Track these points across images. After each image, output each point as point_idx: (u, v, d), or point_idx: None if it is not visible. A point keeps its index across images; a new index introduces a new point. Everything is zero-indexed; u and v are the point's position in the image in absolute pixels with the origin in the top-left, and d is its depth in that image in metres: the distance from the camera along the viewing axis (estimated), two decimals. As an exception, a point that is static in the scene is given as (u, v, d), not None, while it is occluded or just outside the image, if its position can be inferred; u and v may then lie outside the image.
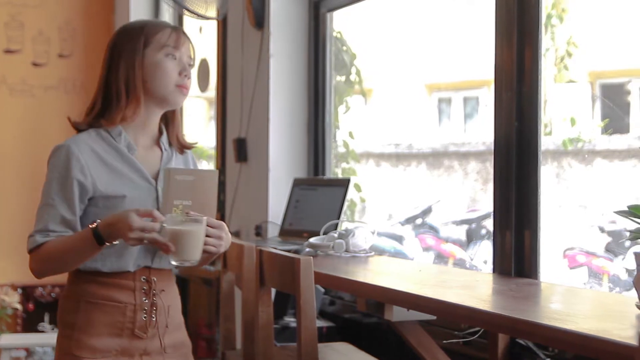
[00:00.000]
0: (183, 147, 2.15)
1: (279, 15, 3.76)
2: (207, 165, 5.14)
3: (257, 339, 2.46)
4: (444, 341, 2.58)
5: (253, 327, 2.56)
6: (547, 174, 3.56)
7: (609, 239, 3.50)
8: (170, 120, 2.14)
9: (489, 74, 2.66)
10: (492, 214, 2.63)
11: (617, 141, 3.50)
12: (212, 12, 3.94)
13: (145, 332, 2.03)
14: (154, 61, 2.02)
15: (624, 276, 3.23)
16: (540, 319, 1.75)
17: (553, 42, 3.56)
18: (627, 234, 1.81)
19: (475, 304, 1.94)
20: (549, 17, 3.45)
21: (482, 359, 2.52)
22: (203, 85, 4.89)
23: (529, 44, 2.52)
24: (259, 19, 3.77)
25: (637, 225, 1.77)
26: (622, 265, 3.31)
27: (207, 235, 1.91)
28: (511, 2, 2.56)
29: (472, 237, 4.39)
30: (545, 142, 3.53)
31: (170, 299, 2.09)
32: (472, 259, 4.29)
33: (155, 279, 2.04)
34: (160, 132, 2.11)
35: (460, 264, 4.36)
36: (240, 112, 4.02)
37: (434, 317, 2.38)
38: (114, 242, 1.91)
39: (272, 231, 3.64)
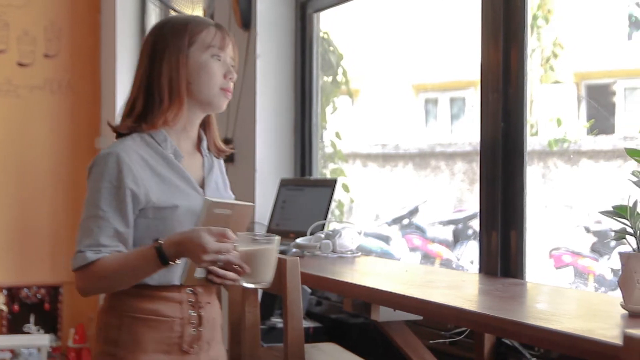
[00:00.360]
0: (219, 151, 2.03)
1: (266, 16, 3.76)
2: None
3: (243, 340, 2.45)
4: (431, 341, 2.58)
5: (240, 328, 2.56)
6: (533, 174, 3.58)
7: (595, 239, 3.52)
8: (207, 124, 2.02)
9: (476, 75, 2.66)
10: (478, 214, 2.64)
11: (603, 142, 3.52)
12: (199, 12, 3.94)
13: (192, 347, 1.91)
14: (199, 62, 1.89)
15: (610, 276, 3.24)
16: (526, 319, 1.76)
17: (539, 43, 3.57)
18: (612, 234, 1.82)
19: (461, 304, 1.94)
20: (534, 18, 3.46)
21: (468, 359, 2.52)
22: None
23: (515, 45, 2.53)
24: (246, 20, 3.77)
25: (622, 226, 1.78)
26: (607, 265, 3.33)
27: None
28: (497, 3, 2.56)
29: (458, 238, 4.41)
30: (532, 143, 3.54)
31: (215, 311, 1.98)
32: (458, 259, 4.31)
33: (200, 291, 1.92)
34: (199, 137, 1.99)
35: (446, 264, 4.37)
36: (227, 112, 4.00)
37: (421, 318, 2.39)
38: (177, 262, 1.80)
39: (259, 231, 3.64)
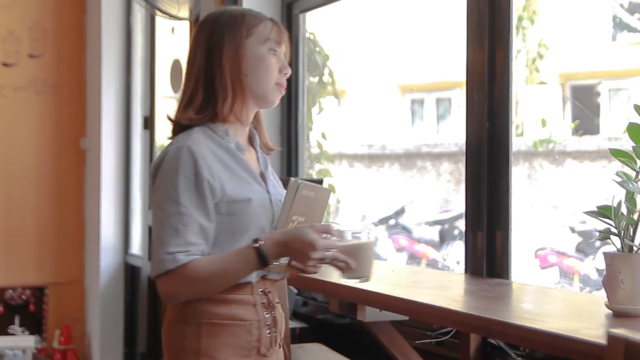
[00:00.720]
0: (268, 149, 1.97)
1: (252, 16, 3.75)
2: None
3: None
4: (417, 341, 2.59)
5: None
6: (519, 174, 3.59)
7: (580, 239, 3.54)
8: (257, 121, 1.97)
9: (461, 76, 2.67)
10: (464, 214, 2.64)
11: (587, 142, 3.53)
12: (185, 12, 3.93)
13: (269, 349, 1.85)
14: (257, 55, 1.84)
15: (595, 276, 3.26)
16: (511, 319, 1.77)
17: (524, 44, 3.59)
18: (597, 234, 1.83)
19: (447, 304, 1.95)
20: (520, 19, 3.47)
21: (454, 359, 2.53)
22: (176, 85, 4.87)
23: (500, 46, 2.54)
24: (232, 20, 3.76)
25: (606, 226, 1.79)
26: (592, 265, 3.34)
27: None
28: (482, 4, 2.57)
29: (444, 238, 4.42)
30: (517, 143, 3.55)
31: (282, 311, 1.93)
32: (444, 260, 4.32)
33: (270, 291, 1.86)
34: (251, 133, 1.94)
35: (433, 264, 4.38)
36: (213, 113, 4.01)
37: (407, 318, 2.39)
38: (276, 263, 1.73)
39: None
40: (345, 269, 1.76)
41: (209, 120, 1.83)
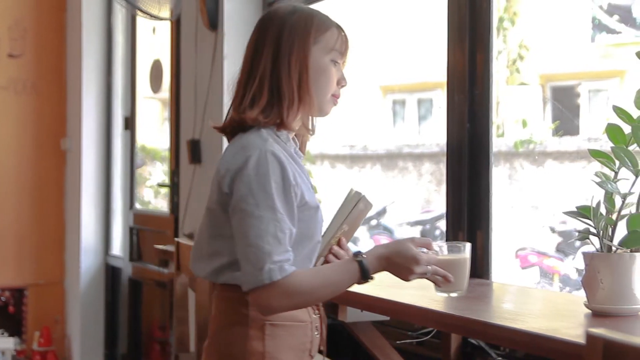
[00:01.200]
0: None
1: (233, 16, 3.74)
2: (162, 165, 5.10)
3: (210, 342, 2.44)
4: (398, 342, 2.59)
5: (207, 329, 2.55)
6: (500, 175, 3.60)
7: (560, 239, 3.55)
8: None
9: (442, 77, 2.68)
10: (445, 215, 2.65)
11: (568, 143, 3.55)
12: (166, 12, 3.92)
13: (314, 350, 1.82)
14: (320, 64, 1.78)
15: (574, 275, 3.27)
16: (491, 319, 1.78)
17: (505, 45, 3.60)
18: (577, 234, 1.84)
19: (428, 305, 1.95)
20: (500, 20, 3.48)
21: (435, 359, 2.54)
22: (156, 86, 4.85)
23: (481, 47, 2.55)
24: (213, 20, 3.75)
25: (586, 226, 1.80)
26: (572, 265, 3.36)
27: (337, 258, 1.81)
28: (463, 5, 2.58)
29: (426, 238, 4.41)
30: (498, 144, 3.56)
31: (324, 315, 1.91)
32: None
33: None
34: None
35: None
36: (194, 113, 4.00)
37: (388, 318, 2.39)
38: (375, 277, 1.72)
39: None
40: (443, 283, 1.76)
41: (274, 124, 1.76)
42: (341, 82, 1.82)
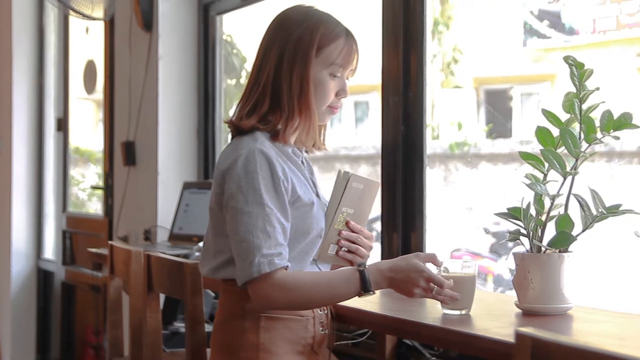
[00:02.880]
0: (318, 148, 1.95)
1: (168, 17, 3.71)
2: (95, 168, 5.03)
3: (145, 346, 2.41)
4: (334, 343, 2.60)
5: (141, 333, 2.52)
6: (435, 177, 3.64)
7: (494, 240, 3.60)
8: None
9: (378, 79, 2.70)
10: (380, 216, 2.67)
11: (501, 145, 3.60)
12: (99, 12, 3.86)
13: (322, 347, 1.84)
14: (318, 77, 1.80)
15: (507, 276, 3.33)
16: (425, 320, 1.79)
17: (440, 48, 3.64)
18: (509, 235, 1.87)
19: (362, 306, 1.96)
20: (436, 23, 3.52)
21: (370, 360, 2.55)
22: (90, 87, 4.78)
23: (414, 50, 2.57)
24: (147, 21, 3.71)
25: (516, 227, 1.83)
26: (505, 266, 3.41)
27: (350, 241, 1.82)
28: (397, 9, 2.60)
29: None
30: (433, 146, 3.60)
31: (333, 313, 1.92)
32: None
33: None
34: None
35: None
36: (128, 114, 3.95)
37: (323, 320, 2.39)
38: (375, 292, 1.71)
39: (162, 236, 3.59)
40: (450, 301, 1.76)
41: (270, 132, 1.79)
42: (340, 94, 1.85)
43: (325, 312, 1.86)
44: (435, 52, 3.57)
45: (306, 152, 1.96)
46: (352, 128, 5.44)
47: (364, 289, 1.70)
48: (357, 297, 1.72)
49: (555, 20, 2.72)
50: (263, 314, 1.77)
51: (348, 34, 1.85)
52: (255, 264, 1.67)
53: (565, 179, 1.79)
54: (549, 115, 1.81)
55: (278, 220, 1.70)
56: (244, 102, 1.84)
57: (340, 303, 2.01)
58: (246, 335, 1.78)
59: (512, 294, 1.89)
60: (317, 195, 1.86)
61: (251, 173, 1.71)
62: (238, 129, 1.81)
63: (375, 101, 4.91)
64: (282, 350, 1.78)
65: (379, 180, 2.67)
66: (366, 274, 1.69)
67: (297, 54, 1.79)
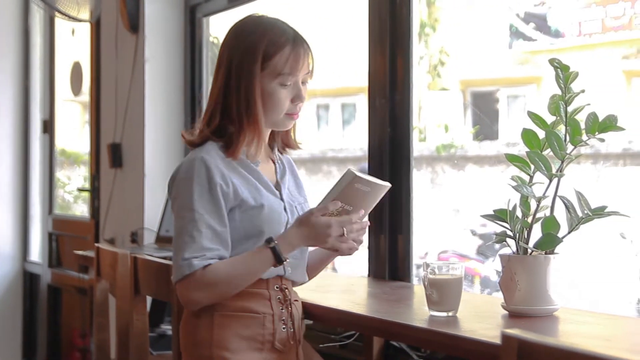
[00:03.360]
0: (289, 147, 2.02)
1: (154, 19, 3.70)
2: (81, 170, 5.01)
3: (131, 348, 2.41)
4: (321, 345, 2.60)
5: (127, 335, 2.51)
6: (422, 179, 3.65)
7: (480, 242, 3.62)
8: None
9: (365, 81, 2.70)
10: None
11: (487, 147, 3.62)
12: (85, 14, 3.85)
13: (285, 344, 1.88)
14: (267, 89, 1.86)
15: (494, 277, 3.34)
16: (412, 321, 1.80)
17: (427, 51, 3.65)
18: (495, 237, 1.87)
19: (350, 308, 1.96)
20: (422, 26, 3.53)
21: (357, 362, 2.55)
22: (76, 88, 4.76)
23: (401, 52, 2.58)
24: (134, 23, 3.70)
25: (503, 229, 1.84)
26: (492, 267, 3.42)
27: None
28: (384, 11, 2.61)
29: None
30: (420, 148, 3.61)
31: (300, 310, 1.97)
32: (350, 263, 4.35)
33: (287, 288, 1.91)
34: (271, 146, 1.99)
35: (338, 268, 4.40)
36: (114, 116, 3.94)
37: (311, 322, 2.39)
38: (289, 260, 1.80)
39: (148, 238, 3.58)
40: (436, 303, 1.80)
41: (231, 155, 1.86)
42: (295, 100, 1.89)
43: (290, 310, 1.90)
44: (422, 54, 3.58)
45: (280, 152, 2.01)
46: (339, 130, 5.45)
47: (278, 261, 1.79)
48: (273, 267, 1.81)
49: (541, 23, 2.73)
50: (216, 312, 1.83)
51: (295, 40, 1.89)
52: (176, 267, 1.79)
53: (551, 181, 1.80)
54: (534, 117, 1.82)
55: (207, 225, 1.79)
56: (205, 110, 1.91)
57: (326, 305, 2.03)
58: (200, 332, 1.84)
59: (498, 296, 1.89)
60: (281, 198, 1.91)
61: (189, 179, 1.81)
62: (190, 142, 1.90)
63: (362, 103, 4.92)
64: (237, 347, 1.83)
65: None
66: (277, 249, 1.78)
67: (242, 71, 1.85)
